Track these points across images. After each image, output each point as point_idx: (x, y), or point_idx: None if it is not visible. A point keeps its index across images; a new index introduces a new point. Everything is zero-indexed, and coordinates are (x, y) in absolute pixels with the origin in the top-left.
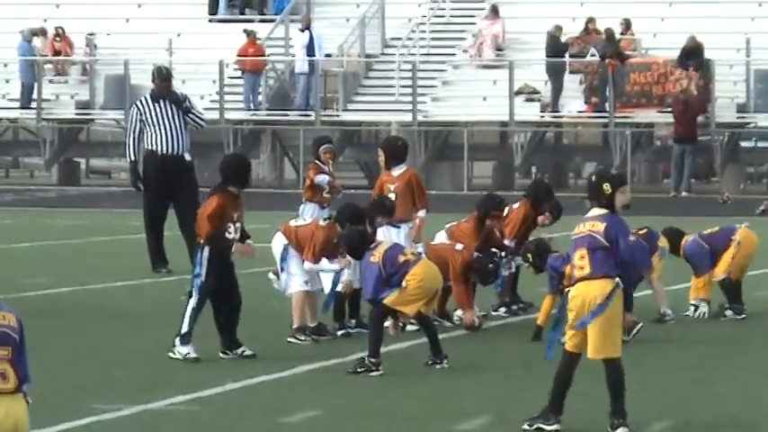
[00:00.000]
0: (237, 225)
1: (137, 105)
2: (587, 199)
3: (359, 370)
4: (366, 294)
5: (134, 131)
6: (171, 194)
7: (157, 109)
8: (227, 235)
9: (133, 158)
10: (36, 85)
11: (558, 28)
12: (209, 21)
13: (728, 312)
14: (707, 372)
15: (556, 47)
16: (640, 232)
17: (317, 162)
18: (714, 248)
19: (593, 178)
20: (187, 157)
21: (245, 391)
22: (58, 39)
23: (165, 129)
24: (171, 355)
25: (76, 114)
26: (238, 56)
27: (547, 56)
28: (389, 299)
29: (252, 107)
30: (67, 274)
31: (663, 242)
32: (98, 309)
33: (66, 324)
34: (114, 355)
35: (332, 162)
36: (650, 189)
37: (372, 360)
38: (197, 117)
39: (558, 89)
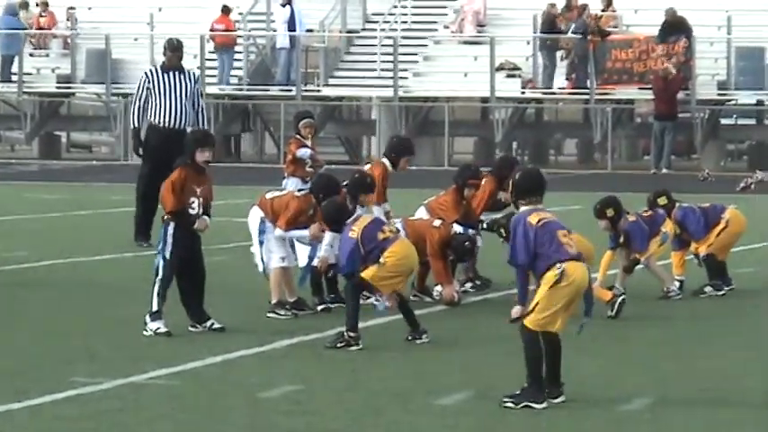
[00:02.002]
0: (201, 200)
1: (146, 73)
2: (520, 198)
3: (338, 345)
4: (342, 268)
5: (140, 98)
6: (170, 169)
7: (166, 80)
8: (189, 210)
9: (136, 125)
10: (18, 59)
11: (553, 6)
12: None
13: (708, 289)
14: (688, 348)
15: (551, 25)
16: (645, 214)
17: (298, 137)
18: (707, 221)
19: (545, 181)
20: (189, 130)
21: (224, 366)
22: (43, 15)
23: (171, 101)
24: (144, 332)
25: (57, 88)
26: (222, 31)
27: (542, 32)
28: (368, 273)
29: (227, 83)
30: (48, 248)
31: (667, 227)
32: (78, 282)
33: (47, 297)
34: (94, 328)
35: (312, 137)
36: (630, 166)
37: (351, 334)
38: (203, 118)
39: (550, 66)
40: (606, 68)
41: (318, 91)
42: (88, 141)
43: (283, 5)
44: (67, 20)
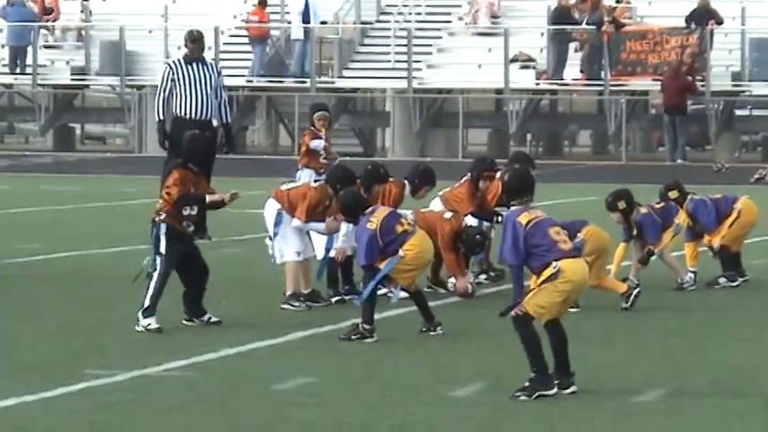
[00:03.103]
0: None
1: (169, 65)
2: (510, 198)
3: (353, 337)
4: (360, 260)
5: (164, 90)
6: None
7: (189, 71)
8: (183, 212)
9: (161, 117)
10: (31, 51)
11: None
12: None
13: (722, 280)
14: (701, 339)
15: (564, 16)
16: (657, 206)
17: (312, 128)
18: (719, 213)
19: (533, 180)
20: (215, 122)
21: (238, 358)
22: None
23: (195, 93)
24: (136, 328)
25: (72, 80)
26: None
27: (553, 23)
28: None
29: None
30: (62, 241)
31: (680, 218)
32: (92, 275)
33: (60, 290)
34: (108, 321)
35: (326, 129)
36: (645, 157)
37: (366, 327)
38: (226, 110)
39: (561, 58)
40: (620, 60)
41: (332, 83)
42: (102, 133)
43: None
44: (81, 12)
